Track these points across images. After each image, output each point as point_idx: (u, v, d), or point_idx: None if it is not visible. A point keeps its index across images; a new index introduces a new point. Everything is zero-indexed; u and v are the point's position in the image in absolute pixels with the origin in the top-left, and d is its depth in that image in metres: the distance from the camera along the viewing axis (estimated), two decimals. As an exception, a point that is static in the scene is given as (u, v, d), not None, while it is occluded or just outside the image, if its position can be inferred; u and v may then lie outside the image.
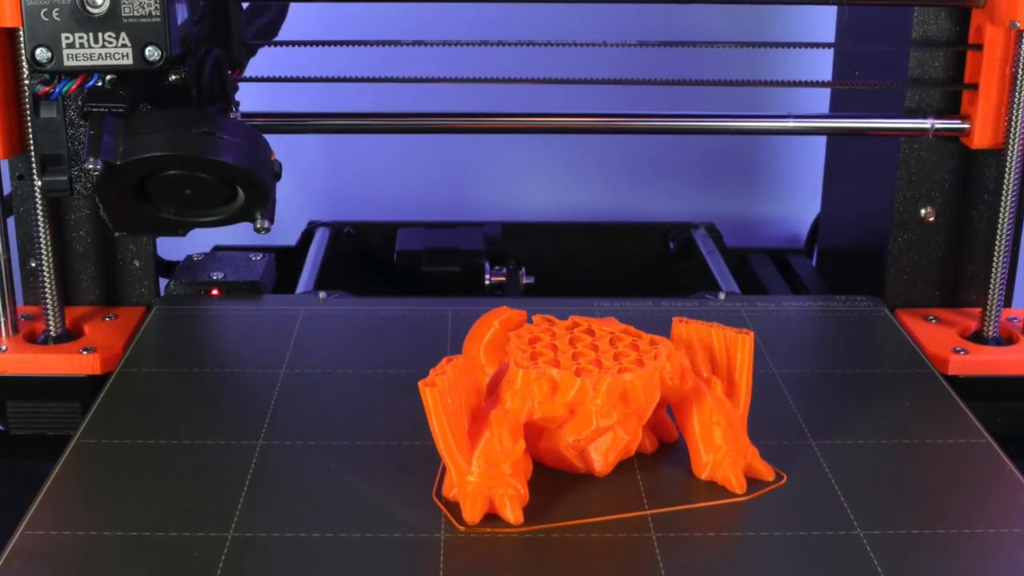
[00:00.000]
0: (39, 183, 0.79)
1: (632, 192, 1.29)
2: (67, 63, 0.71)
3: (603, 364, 0.63)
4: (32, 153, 0.78)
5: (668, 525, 0.62)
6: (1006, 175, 0.83)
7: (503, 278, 1.04)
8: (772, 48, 0.98)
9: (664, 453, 0.69)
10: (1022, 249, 0.90)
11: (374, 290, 1.11)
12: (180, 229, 0.78)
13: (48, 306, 0.83)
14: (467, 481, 0.62)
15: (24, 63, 0.76)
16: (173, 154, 0.72)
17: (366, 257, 1.16)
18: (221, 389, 0.77)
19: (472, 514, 0.61)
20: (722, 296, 0.91)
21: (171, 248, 0.98)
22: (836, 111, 1.07)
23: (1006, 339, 0.86)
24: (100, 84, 0.73)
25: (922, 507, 0.64)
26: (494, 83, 0.87)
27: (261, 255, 0.99)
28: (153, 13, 0.70)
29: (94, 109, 0.71)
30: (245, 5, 0.88)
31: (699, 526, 0.62)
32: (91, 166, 0.70)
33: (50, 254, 0.82)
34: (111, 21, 0.71)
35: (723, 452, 0.65)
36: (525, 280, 1.04)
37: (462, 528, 0.61)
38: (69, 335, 0.84)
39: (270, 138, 0.77)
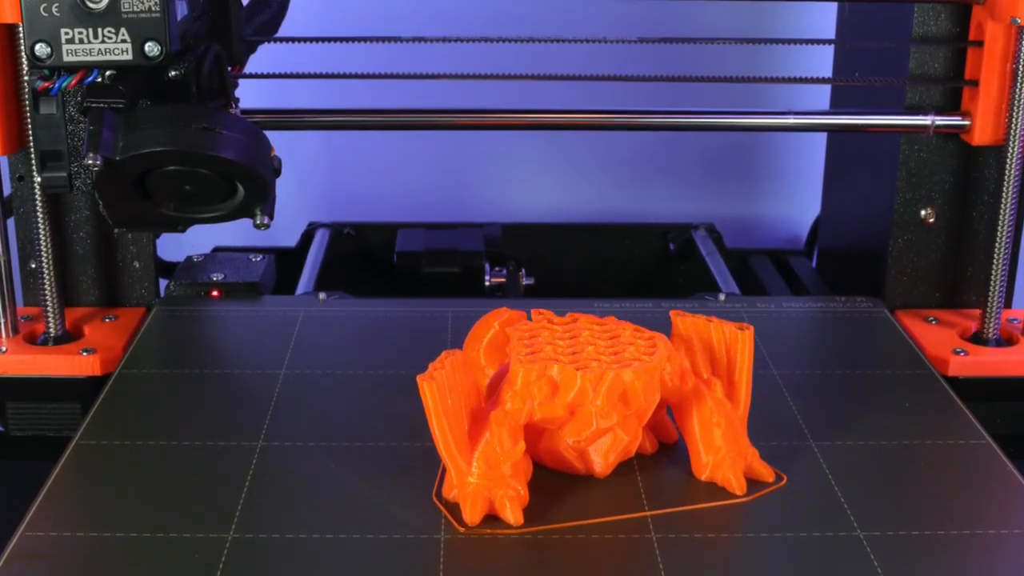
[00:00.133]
0: (39, 179, 0.79)
1: (632, 193, 1.29)
2: (66, 59, 0.71)
3: (602, 359, 0.63)
4: (32, 149, 0.78)
5: (668, 526, 0.62)
6: (1007, 172, 0.82)
7: (503, 279, 1.04)
8: (772, 45, 0.98)
9: (664, 454, 0.69)
10: (1022, 250, 0.90)
11: (374, 291, 1.11)
12: (180, 225, 0.78)
13: (48, 307, 0.83)
14: (467, 482, 0.62)
15: (24, 59, 0.76)
16: (173, 149, 0.71)
17: (366, 258, 1.16)
18: (221, 390, 0.77)
19: (472, 515, 0.61)
20: (722, 297, 0.91)
21: (171, 249, 0.98)
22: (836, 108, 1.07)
23: (1006, 340, 0.86)
24: (100, 80, 0.73)
25: (922, 508, 0.64)
26: (494, 79, 0.87)
27: (261, 256, 0.99)
28: (153, 9, 0.70)
29: (94, 105, 0.71)
30: (245, 2, 0.88)
31: (699, 527, 0.62)
32: (91, 162, 0.70)
33: (50, 255, 0.82)
34: (111, 16, 0.70)
35: (723, 453, 0.65)
36: (525, 281, 1.04)
37: (462, 529, 0.61)
38: (69, 336, 0.84)
39: (270, 135, 0.77)
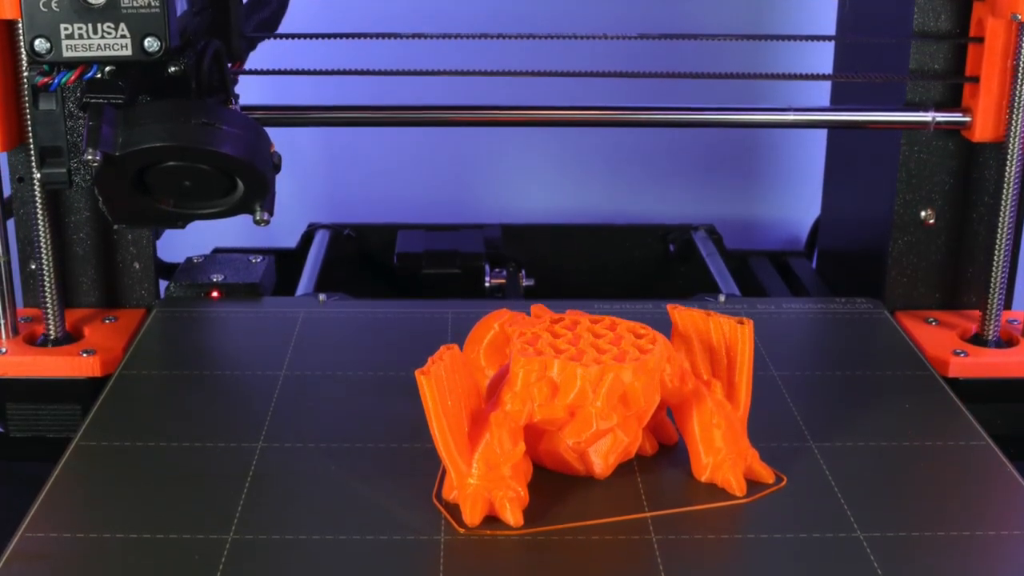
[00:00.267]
0: (38, 175, 0.79)
1: (632, 194, 1.29)
2: (66, 54, 0.71)
3: (601, 347, 0.63)
4: (31, 146, 0.78)
5: (668, 527, 0.62)
6: (1007, 169, 0.82)
7: (503, 280, 1.04)
8: (773, 43, 0.98)
9: (664, 455, 0.69)
10: (1022, 252, 0.90)
11: (374, 292, 1.11)
12: (179, 221, 0.78)
13: (48, 308, 0.83)
14: (467, 483, 0.62)
15: (23, 54, 0.76)
16: (172, 145, 0.71)
17: (366, 259, 1.16)
18: (221, 391, 0.77)
19: (472, 516, 0.61)
20: (722, 298, 0.91)
21: (171, 250, 0.98)
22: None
23: (1006, 341, 0.86)
24: (99, 75, 0.72)
25: (922, 509, 0.64)
26: (493, 76, 0.87)
27: (261, 257, 0.99)
28: (152, 4, 0.70)
29: (93, 100, 0.71)
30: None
31: (699, 528, 0.62)
32: (90, 157, 0.70)
33: (50, 256, 0.82)
34: (110, 12, 0.70)
35: (723, 454, 0.65)
36: (525, 282, 1.04)
37: (462, 530, 0.61)
38: (69, 337, 0.84)
39: (270, 132, 0.77)
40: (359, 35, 0.88)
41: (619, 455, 0.66)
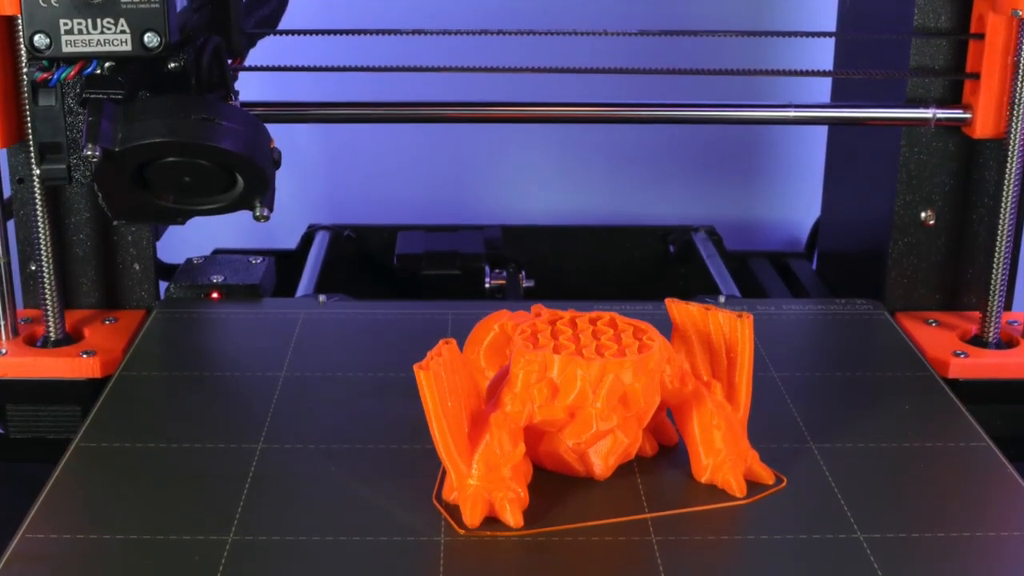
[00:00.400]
0: (37, 172, 0.78)
1: (632, 195, 1.29)
2: (65, 49, 0.71)
3: (602, 347, 0.63)
4: (31, 142, 0.78)
5: (668, 528, 0.62)
6: (1007, 167, 0.82)
7: (503, 281, 1.04)
8: (773, 39, 0.98)
9: (664, 456, 0.69)
10: (1022, 253, 0.90)
11: (374, 293, 1.11)
12: (179, 217, 0.78)
13: (48, 309, 0.83)
14: (467, 484, 0.62)
15: (23, 50, 0.76)
16: (172, 140, 0.71)
17: (366, 260, 1.16)
18: (221, 392, 0.77)
19: (472, 517, 0.61)
20: (722, 299, 0.92)
21: (171, 251, 0.98)
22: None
23: (1006, 343, 0.86)
24: (99, 71, 0.72)
25: (922, 510, 0.64)
26: (493, 72, 0.87)
27: (261, 258, 0.98)
28: None
29: (93, 96, 0.71)
30: None
31: (699, 529, 0.62)
32: (89, 153, 0.69)
33: (50, 257, 0.82)
34: (110, 7, 0.70)
35: (723, 455, 0.65)
36: (525, 283, 1.04)
37: (462, 531, 0.61)
38: (69, 338, 0.84)
39: (270, 128, 0.77)
40: (359, 31, 0.88)
41: (619, 456, 0.66)
